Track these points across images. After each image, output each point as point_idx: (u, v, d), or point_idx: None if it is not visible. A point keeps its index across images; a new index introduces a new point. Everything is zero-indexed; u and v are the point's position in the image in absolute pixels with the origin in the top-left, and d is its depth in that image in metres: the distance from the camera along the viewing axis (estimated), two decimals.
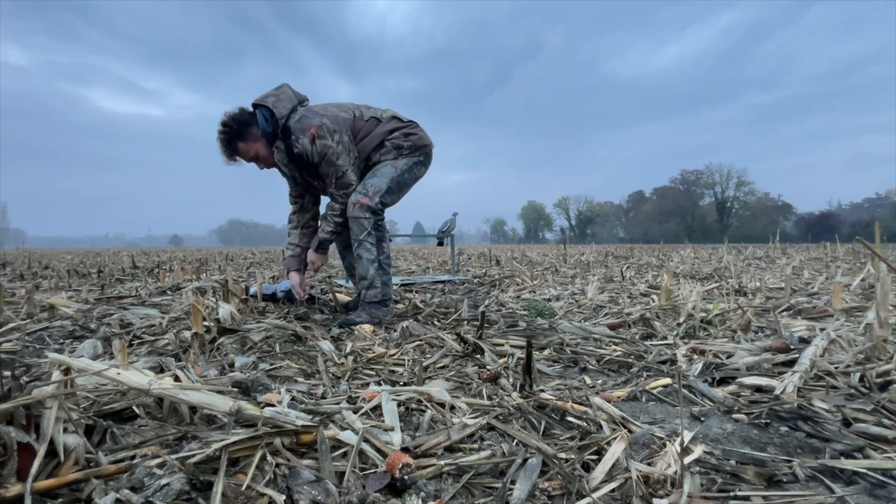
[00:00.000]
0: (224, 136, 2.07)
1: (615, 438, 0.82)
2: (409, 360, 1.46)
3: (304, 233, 2.35)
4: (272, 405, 0.96)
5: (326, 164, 2.04)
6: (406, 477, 0.72)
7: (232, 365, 1.36)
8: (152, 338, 1.67)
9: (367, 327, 1.89)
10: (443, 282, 3.90)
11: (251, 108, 2.09)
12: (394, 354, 1.53)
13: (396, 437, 0.87)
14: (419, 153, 2.23)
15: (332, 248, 2.52)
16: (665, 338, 1.74)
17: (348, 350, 1.58)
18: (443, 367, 1.41)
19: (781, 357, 1.37)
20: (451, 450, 0.86)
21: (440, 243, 4.56)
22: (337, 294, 2.49)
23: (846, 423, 0.96)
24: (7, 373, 0.90)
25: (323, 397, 1.13)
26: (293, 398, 1.07)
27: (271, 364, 1.40)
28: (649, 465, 0.77)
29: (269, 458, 0.75)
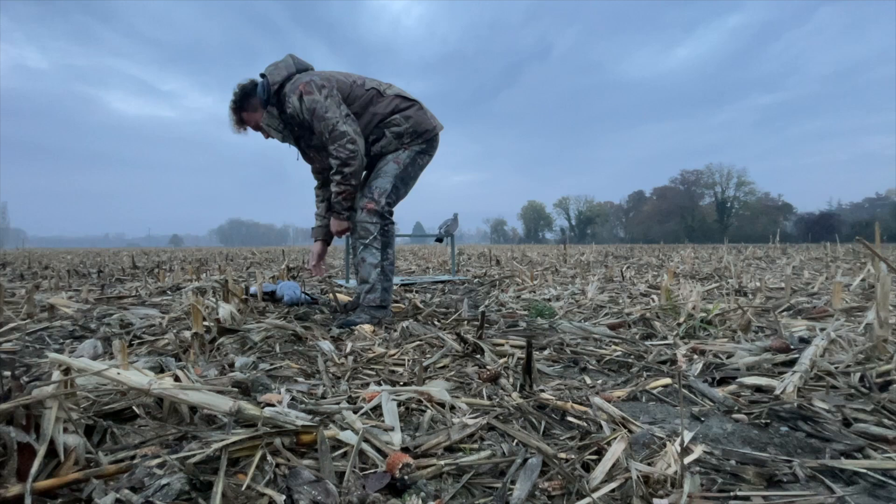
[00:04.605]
0: (232, 105, 2.18)
1: (615, 438, 0.82)
2: (409, 360, 1.46)
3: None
4: (272, 405, 0.96)
5: (317, 119, 2.02)
6: (406, 477, 0.72)
7: (232, 365, 1.36)
8: (152, 338, 1.67)
9: (367, 327, 1.89)
10: (443, 282, 3.90)
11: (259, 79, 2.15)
12: (394, 354, 1.53)
13: (396, 437, 0.87)
14: (421, 140, 2.17)
15: (330, 249, 2.53)
16: (665, 338, 1.74)
17: (348, 350, 1.58)
18: (443, 367, 1.41)
19: (781, 357, 1.37)
20: (451, 450, 0.86)
21: (439, 240, 4.51)
22: (337, 294, 2.49)
23: (846, 423, 0.96)
24: (7, 373, 0.90)
25: (323, 397, 1.13)
26: (293, 398, 1.07)
27: (271, 364, 1.40)
28: (649, 465, 0.76)
29: (269, 458, 0.75)
